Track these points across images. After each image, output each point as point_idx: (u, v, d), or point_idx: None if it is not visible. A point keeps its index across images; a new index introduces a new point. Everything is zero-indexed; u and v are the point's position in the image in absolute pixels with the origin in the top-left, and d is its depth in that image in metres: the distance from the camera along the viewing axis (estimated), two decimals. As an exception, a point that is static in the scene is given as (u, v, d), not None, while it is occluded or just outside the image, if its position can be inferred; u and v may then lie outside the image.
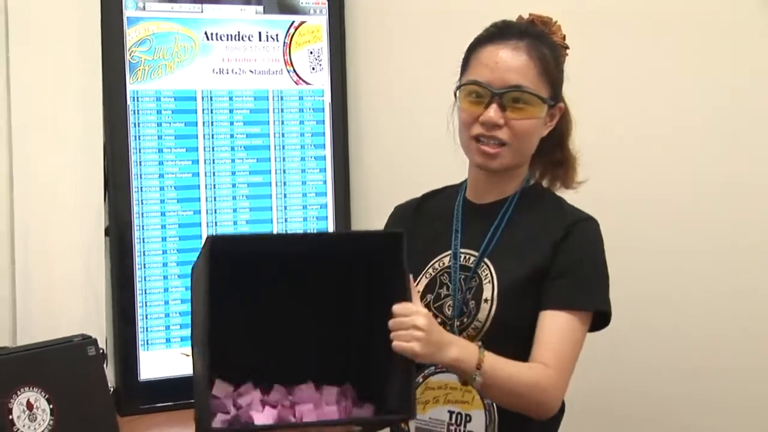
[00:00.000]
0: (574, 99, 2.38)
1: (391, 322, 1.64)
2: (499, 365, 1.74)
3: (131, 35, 2.74)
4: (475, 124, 1.84)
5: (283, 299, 1.84)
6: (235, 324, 1.70)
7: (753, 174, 2.56)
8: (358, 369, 1.86)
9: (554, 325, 1.83)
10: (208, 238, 1.65)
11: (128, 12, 2.73)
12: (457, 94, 1.89)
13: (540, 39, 1.87)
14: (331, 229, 2.99)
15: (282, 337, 1.83)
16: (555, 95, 1.88)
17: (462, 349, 1.71)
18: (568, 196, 2.11)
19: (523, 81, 1.81)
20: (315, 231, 2.96)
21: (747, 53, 2.55)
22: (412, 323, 1.63)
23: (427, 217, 2.05)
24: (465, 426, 1.87)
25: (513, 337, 1.84)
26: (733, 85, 2.57)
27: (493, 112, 1.81)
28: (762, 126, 2.56)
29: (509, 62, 1.82)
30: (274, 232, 2.89)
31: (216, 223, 2.84)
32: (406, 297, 1.68)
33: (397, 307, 1.65)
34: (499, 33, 1.86)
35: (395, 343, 1.63)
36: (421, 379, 1.89)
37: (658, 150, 2.67)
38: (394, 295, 1.68)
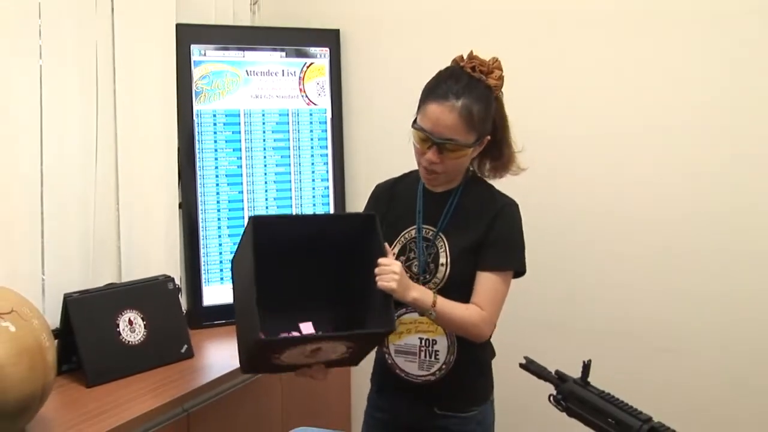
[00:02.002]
0: (574, 95, 2.65)
1: (377, 269, 1.72)
2: (447, 306, 1.81)
3: (196, 73, 2.84)
4: (422, 157, 1.84)
5: (296, 262, 1.85)
6: (267, 280, 1.69)
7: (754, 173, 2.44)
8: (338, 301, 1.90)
9: (487, 281, 1.87)
10: (250, 218, 1.69)
11: (194, 57, 2.83)
12: (412, 130, 1.85)
13: (474, 95, 1.79)
14: (332, 205, 3.05)
15: (291, 289, 1.86)
16: (481, 136, 1.83)
17: (421, 293, 1.78)
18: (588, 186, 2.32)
19: (455, 135, 1.77)
20: (322, 211, 3.02)
21: (746, 52, 2.40)
22: (391, 269, 1.71)
23: (399, 196, 2.02)
24: (432, 347, 1.89)
25: (461, 289, 1.87)
26: (731, 81, 2.43)
27: (431, 155, 1.80)
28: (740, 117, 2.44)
29: (446, 122, 1.76)
30: (293, 212, 2.96)
31: (253, 200, 2.91)
32: (384, 254, 1.75)
33: (382, 259, 1.73)
34: (443, 93, 1.79)
35: (380, 283, 1.70)
36: (395, 318, 1.85)
37: (653, 144, 2.57)
38: (374, 254, 1.75)
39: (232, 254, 1.91)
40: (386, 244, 1.80)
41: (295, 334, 1.84)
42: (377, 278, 1.71)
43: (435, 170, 1.84)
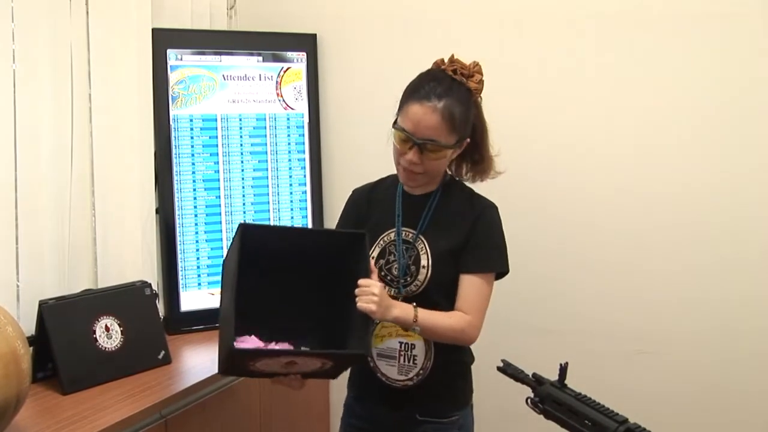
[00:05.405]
0: (559, 101, 2.64)
1: (357, 290, 1.72)
2: (430, 318, 1.81)
3: (173, 77, 2.82)
4: (402, 157, 1.85)
5: (283, 273, 1.85)
6: (251, 288, 1.71)
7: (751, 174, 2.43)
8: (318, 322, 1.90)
9: (471, 284, 1.87)
10: (239, 225, 1.71)
11: (171, 62, 2.81)
12: (393, 130, 1.87)
13: (455, 97, 1.81)
14: (309, 209, 3.04)
15: (276, 299, 1.87)
16: (461, 138, 1.85)
17: (402, 310, 1.79)
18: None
19: (436, 136, 1.79)
20: (299, 216, 3.02)
21: (746, 53, 2.39)
22: (371, 291, 1.71)
23: (376, 200, 2.03)
24: (411, 351, 1.90)
25: (443, 291, 1.89)
26: (731, 83, 2.42)
27: (412, 155, 1.81)
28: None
29: (428, 122, 1.78)
30: (270, 217, 2.96)
31: (231, 204, 2.90)
32: (368, 275, 1.75)
33: (361, 281, 1.73)
34: (425, 94, 1.80)
35: (359, 304, 1.70)
36: (378, 321, 1.89)
37: (653, 147, 2.55)
38: (360, 273, 1.75)
39: (222, 258, 1.93)
40: (372, 264, 1.80)
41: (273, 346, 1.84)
42: (357, 299, 1.71)
43: (415, 171, 1.85)
